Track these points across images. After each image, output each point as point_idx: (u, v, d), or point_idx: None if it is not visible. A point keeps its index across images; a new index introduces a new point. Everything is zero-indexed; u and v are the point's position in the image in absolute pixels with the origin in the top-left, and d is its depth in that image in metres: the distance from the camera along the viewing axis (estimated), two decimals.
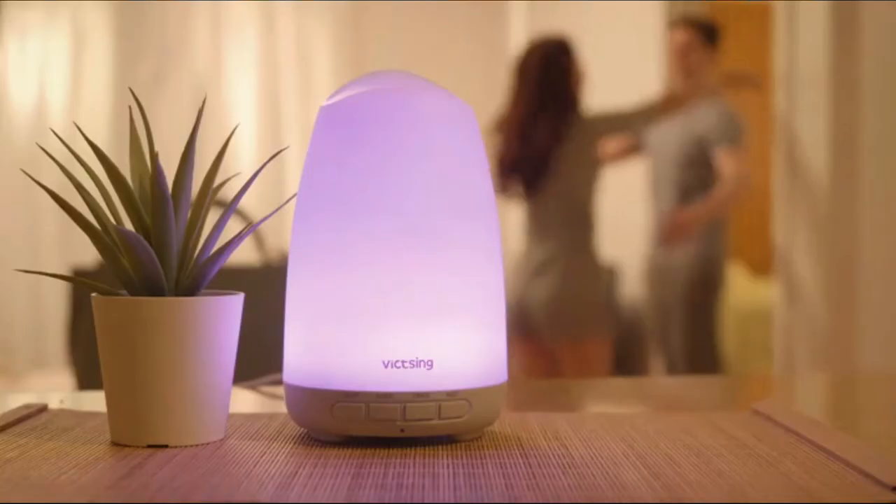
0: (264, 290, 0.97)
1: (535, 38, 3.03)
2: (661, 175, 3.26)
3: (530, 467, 0.58)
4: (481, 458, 0.61)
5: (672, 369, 3.27)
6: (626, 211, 3.65)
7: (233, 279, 1.41)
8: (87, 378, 1.52)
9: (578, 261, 2.87)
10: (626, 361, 3.45)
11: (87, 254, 2.30)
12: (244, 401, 0.91)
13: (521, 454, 0.62)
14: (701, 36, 3.24)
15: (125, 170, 0.65)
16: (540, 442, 0.65)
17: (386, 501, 0.51)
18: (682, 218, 3.09)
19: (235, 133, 0.76)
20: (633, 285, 3.73)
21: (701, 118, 3.19)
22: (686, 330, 3.27)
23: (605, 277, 3.04)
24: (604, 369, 2.88)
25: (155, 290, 0.64)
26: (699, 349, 3.30)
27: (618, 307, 3.52)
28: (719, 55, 3.28)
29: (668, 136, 3.22)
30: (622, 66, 3.92)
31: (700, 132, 3.17)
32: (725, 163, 3.11)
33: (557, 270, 2.83)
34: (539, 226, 2.89)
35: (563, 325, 2.83)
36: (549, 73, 2.84)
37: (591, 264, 2.91)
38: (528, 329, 2.85)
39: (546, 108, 2.83)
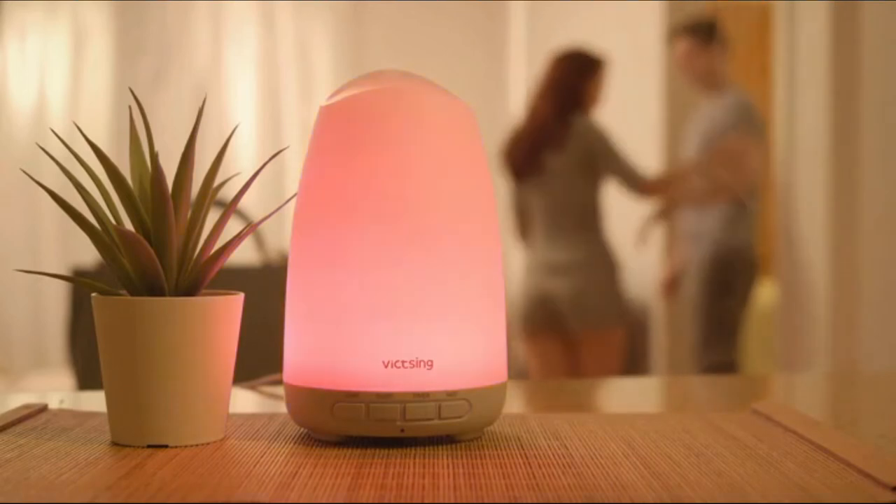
0: (264, 290, 0.97)
1: (570, 49, 3.12)
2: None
3: (530, 467, 0.58)
4: (481, 458, 0.61)
5: (682, 368, 3.27)
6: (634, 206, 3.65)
7: (233, 279, 1.41)
8: (87, 378, 1.52)
9: (595, 257, 3.00)
10: (633, 358, 3.46)
11: (87, 254, 2.30)
12: (244, 401, 0.91)
13: (521, 454, 0.62)
14: (699, 38, 3.24)
15: (125, 170, 0.65)
16: (540, 442, 0.65)
17: (386, 501, 0.51)
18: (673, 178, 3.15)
19: (235, 133, 0.76)
20: (635, 280, 3.73)
21: (720, 108, 3.20)
22: (706, 329, 3.26)
23: (618, 270, 3.09)
24: (621, 358, 3.04)
25: (155, 290, 0.64)
26: (718, 349, 3.29)
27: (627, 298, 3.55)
28: (724, 49, 3.28)
29: (689, 131, 3.26)
30: (621, 66, 3.91)
31: (719, 121, 3.18)
32: (748, 152, 3.11)
33: (576, 267, 2.96)
34: (551, 227, 2.96)
35: (585, 318, 2.97)
36: (577, 82, 2.96)
37: (606, 259, 3.03)
38: (549, 324, 2.98)
39: (562, 114, 2.94)
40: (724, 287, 3.23)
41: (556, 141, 2.95)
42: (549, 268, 2.98)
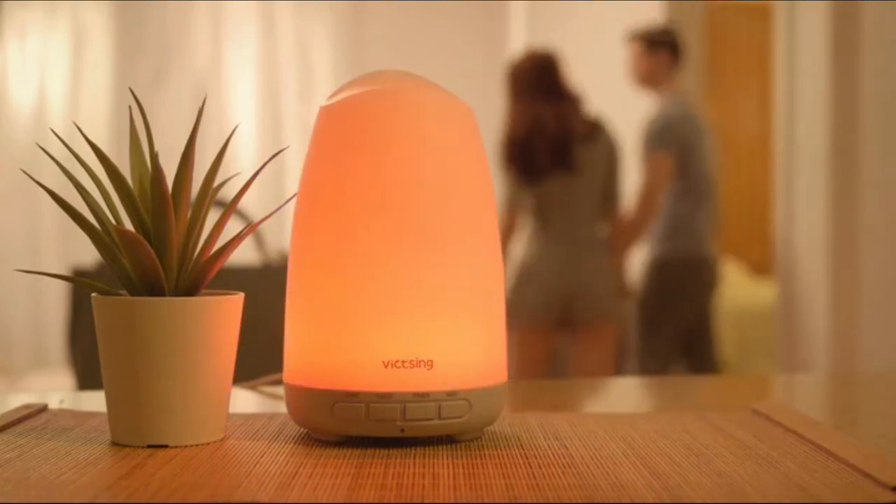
0: (264, 290, 0.97)
1: (526, 50, 3.12)
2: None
3: (530, 467, 0.58)
4: (481, 458, 0.61)
5: (664, 368, 3.27)
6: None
7: (233, 279, 1.41)
8: (87, 378, 1.52)
9: (604, 251, 2.97)
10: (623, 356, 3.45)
11: (87, 254, 2.30)
12: (244, 401, 0.91)
13: (521, 454, 0.62)
14: (646, 43, 3.33)
15: (125, 170, 0.65)
16: (540, 442, 0.65)
17: (386, 501, 0.51)
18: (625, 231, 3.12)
19: (235, 133, 0.76)
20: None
21: (653, 112, 3.24)
22: (681, 329, 3.28)
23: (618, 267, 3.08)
24: (614, 356, 3.01)
25: (155, 290, 0.64)
26: (695, 349, 3.30)
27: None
28: (671, 56, 3.32)
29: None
30: (620, 67, 3.91)
31: (644, 130, 3.23)
32: (645, 170, 3.16)
33: (589, 261, 2.93)
34: (571, 220, 2.95)
35: (591, 313, 2.94)
36: (545, 81, 2.92)
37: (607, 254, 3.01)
38: (557, 320, 2.95)
39: (551, 111, 2.89)
40: (670, 292, 3.24)
41: (586, 132, 2.92)
42: (561, 263, 2.94)
